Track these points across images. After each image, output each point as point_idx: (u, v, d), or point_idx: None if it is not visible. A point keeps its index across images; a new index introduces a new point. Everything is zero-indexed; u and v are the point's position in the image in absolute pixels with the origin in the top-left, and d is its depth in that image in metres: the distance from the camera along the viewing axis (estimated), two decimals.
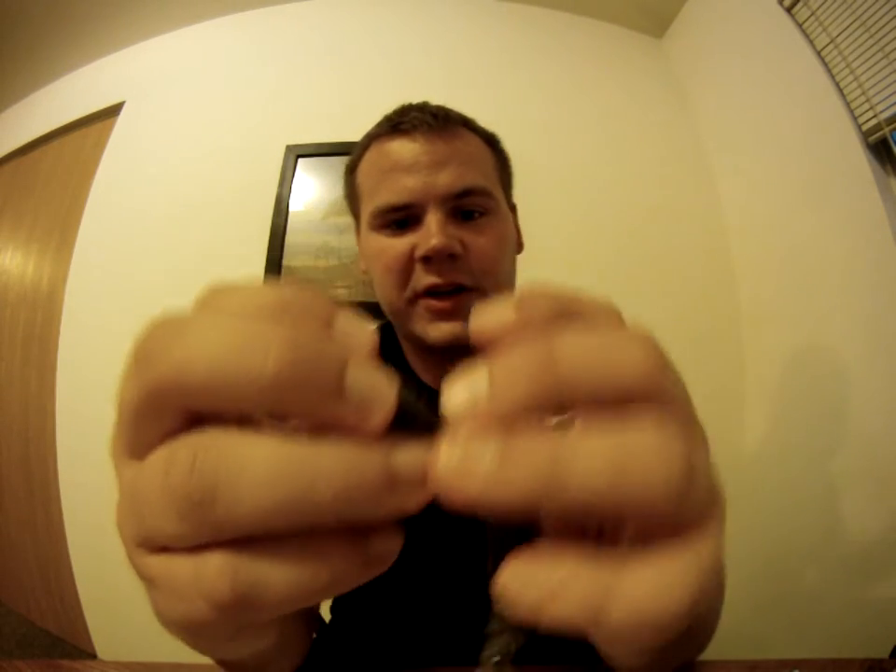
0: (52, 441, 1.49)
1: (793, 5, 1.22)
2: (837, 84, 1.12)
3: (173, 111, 1.71)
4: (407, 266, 0.49)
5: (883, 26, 1.00)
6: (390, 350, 0.59)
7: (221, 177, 1.61)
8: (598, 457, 0.12)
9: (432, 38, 1.73)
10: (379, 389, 0.12)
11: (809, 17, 1.19)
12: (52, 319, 1.60)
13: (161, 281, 1.53)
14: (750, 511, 1.23)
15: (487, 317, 0.14)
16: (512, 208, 0.58)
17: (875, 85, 1.03)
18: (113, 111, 1.76)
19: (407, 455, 0.12)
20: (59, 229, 1.72)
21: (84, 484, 1.45)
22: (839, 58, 1.11)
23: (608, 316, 0.15)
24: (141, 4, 1.70)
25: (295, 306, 0.13)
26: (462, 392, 0.12)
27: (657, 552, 0.13)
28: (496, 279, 0.50)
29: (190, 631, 0.14)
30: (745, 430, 1.37)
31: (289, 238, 1.51)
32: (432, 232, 0.46)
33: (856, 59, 1.07)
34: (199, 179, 1.61)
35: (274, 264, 1.48)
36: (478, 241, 0.49)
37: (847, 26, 1.09)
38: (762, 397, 1.35)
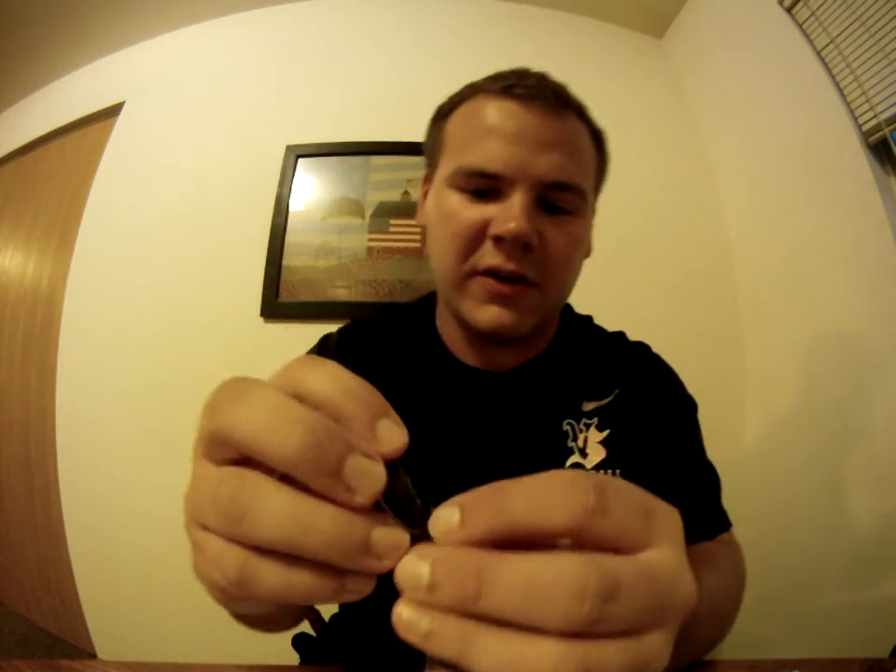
0: (52, 441, 1.49)
1: (793, 5, 1.22)
2: (837, 84, 1.12)
3: (173, 111, 1.71)
4: (476, 239, 0.46)
5: (883, 26, 1.00)
6: (423, 325, 0.58)
7: (221, 177, 1.61)
8: (499, 653, 0.15)
9: (432, 38, 1.73)
10: (370, 478, 0.16)
11: (809, 17, 1.19)
12: (52, 319, 1.60)
13: (160, 281, 1.53)
14: (750, 510, 1.23)
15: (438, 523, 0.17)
16: (593, 212, 0.55)
17: (875, 85, 1.03)
18: (113, 111, 1.76)
19: (383, 534, 0.16)
20: (59, 229, 1.71)
21: (84, 484, 1.45)
22: (839, 58, 1.11)
23: (565, 521, 0.16)
24: (141, 4, 1.70)
25: (355, 397, 0.17)
26: (407, 577, 0.16)
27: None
28: (559, 282, 0.49)
29: (212, 588, 0.20)
30: (745, 429, 1.37)
31: (289, 238, 1.51)
32: (514, 214, 0.43)
33: (856, 59, 1.07)
34: (199, 179, 1.61)
35: (274, 264, 1.48)
36: (556, 239, 0.46)
37: (847, 26, 1.09)
38: (762, 395, 1.35)
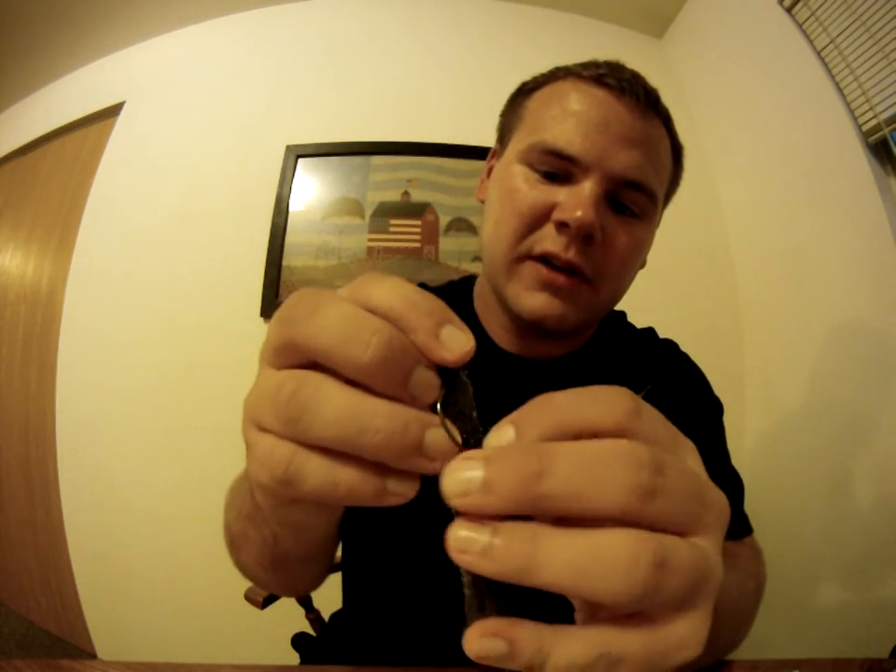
0: (52, 441, 1.49)
1: (793, 5, 1.22)
2: (837, 84, 1.12)
3: (173, 111, 1.71)
4: (538, 220, 0.44)
5: (883, 26, 1.00)
6: (460, 307, 0.56)
7: (221, 177, 1.61)
8: (569, 556, 0.15)
9: (432, 38, 1.73)
10: (431, 388, 0.17)
11: (809, 17, 1.19)
12: (52, 319, 1.60)
13: (160, 281, 1.53)
14: (750, 510, 1.23)
15: (491, 439, 0.17)
16: (657, 224, 0.54)
17: (875, 85, 1.03)
18: (113, 111, 1.76)
19: (436, 435, 0.17)
20: (59, 229, 1.71)
21: (84, 484, 1.45)
22: (839, 58, 1.11)
23: (614, 421, 0.17)
24: (141, 4, 1.70)
25: (418, 307, 0.18)
26: (458, 481, 0.15)
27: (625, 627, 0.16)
28: (613, 284, 0.47)
29: (261, 487, 0.21)
30: (745, 429, 1.37)
31: (289, 238, 1.51)
32: (583, 202, 0.42)
33: (856, 59, 1.07)
34: (199, 179, 1.61)
35: (274, 264, 1.48)
36: (619, 238, 0.45)
37: (847, 26, 1.09)
38: (762, 395, 1.35)
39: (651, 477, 0.15)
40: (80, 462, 1.46)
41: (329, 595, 0.66)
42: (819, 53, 1.16)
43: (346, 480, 0.17)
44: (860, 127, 1.07)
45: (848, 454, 1.02)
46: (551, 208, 0.44)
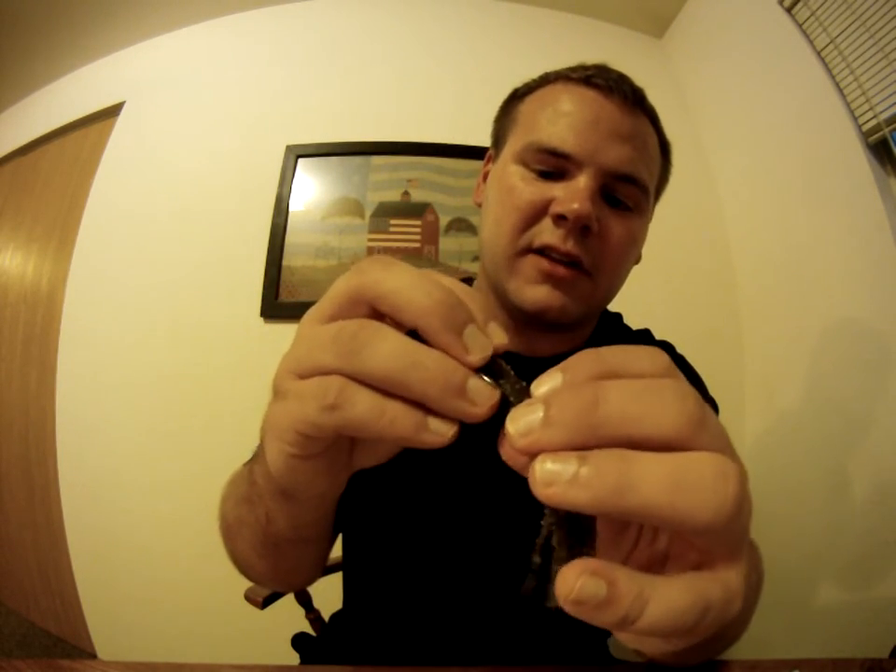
0: (52, 441, 1.49)
1: (793, 5, 1.22)
2: (837, 84, 1.12)
3: (173, 111, 1.71)
4: (535, 215, 0.46)
5: (883, 26, 1.00)
6: None
7: (221, 177, 1.61)
8: (661, 474, 0.15)
9: (432, 38, 1.73)
10: (482, 343, 0.19)
11: (809, 17, 1.19)
12: (52, 319, 1.60)
13: (160, 281, 1.53)
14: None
15: (541, 385, 0.18)
16: (650, 218, 0.55)
17: (875, 85, 1.03)
18: (113, 111, 1.76)
19: (478, 383, 0.18)
20: (59, 229, 1.71)
21: (84, 484, 1.45)
22: (839, 58, 1.11)
23: (653, 369, 0.18)
24: (141, 4, 1.70)
25: (466, 296, 0.20)
26: (521, 423, 0.16)
27: (690, 574, 0.17)
28: (611, 275, 0.49)
29: (297, 431, 0.21)
30: (745, 429, 1.37)
31: (289, 238, 1.51)
32: (579, 195, 0.43)
33: (856, 59, 1.07)
34: (199, 179, 1.61)
35: (274, 264, 1.48)
36: (615, 230, 0.46)
37: (847, 26, 1.09)
38: (761, 395, 1.35)
39: (698, 408, 0.16)
40: (80, 462, 1.46)
41: (330, 596, 0.66)
42: (819, 53, 1.16)
43: (392, 409, 0.18)
44: (860, 127, 1.07)
45: (848, 454, 1.02)
46: (548, 203, 0.45)
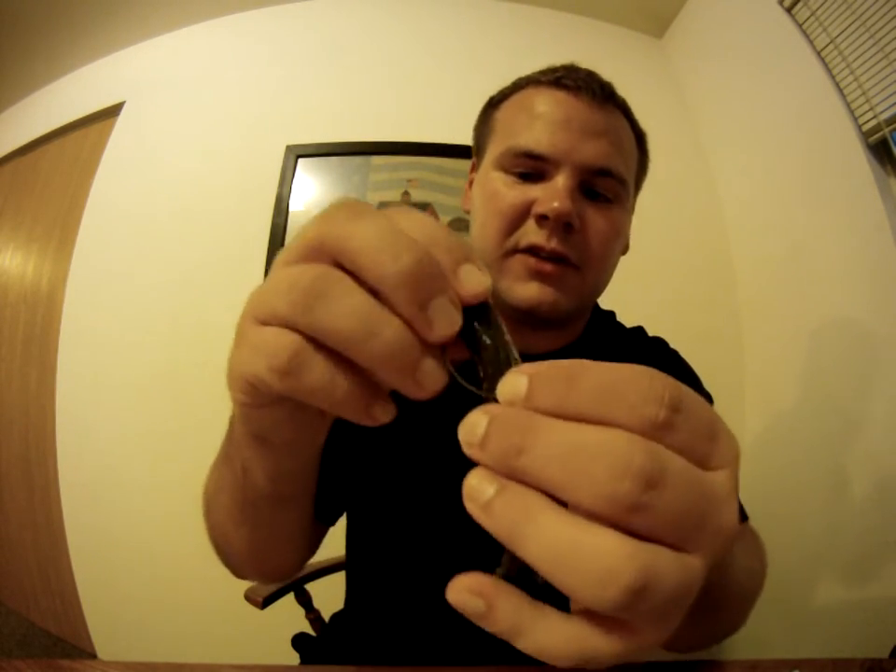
0: (52, 441, 1.49)
1: (793, 5, 1.22)
2: (837, 84, 1.12)
3: (173, 111, 1.71)
4: (519, 217, 0.47)
5: (883, 26, 1.00)
6: None
7: (221, 177, 1.61)
8: (550, 540, 0.14)
9: (432, 39, 1.73)
10: (449, 319, 0.17)
11: (809, 17, 1.19)
12: (52, 319, 1.60)
13: (160, 281, 1.53)
14: (749, 510, 1.23)
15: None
16: (632, 209, 0.56)
17: (875, 85, 1.03)
18: (113, 111, 1.76)
19: (431, 364, 0.17)
20: (59, 229, 1.71)
21: (84, 484, 1.45)
22: (839, 58, 1.11)
23: (635, 423, 0.16)
24: (141, 4, 1.70)
25: (440, 243, 0.18)
26: (467, 429, 0.16)
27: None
28: (598, 267, 0.50)
29: (248, 379, 0.20)
30: (744, 429, 1.37)
31: (289, 238, 1.51)
32: (558, 194, 0.45)
33: (856, 59, 1.07)
34: (199, 179, 1.61)
35: None
36: (597, 223, 0.48)
37: (847, 26, 1.09)
38: (761, 394, 1.35)
39: (638, 490, 0.13)
40: (80, 462, 1.46)
41: (330, 596, 0.66)
42: (818, 53, 1.16)
43: (343, 384, 0.18)
44: (860, 127, 1.07)
45: (848, 453, 1.02)
46: (530, 204, 0.47)
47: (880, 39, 1.01)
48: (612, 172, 0.48)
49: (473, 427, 0.15)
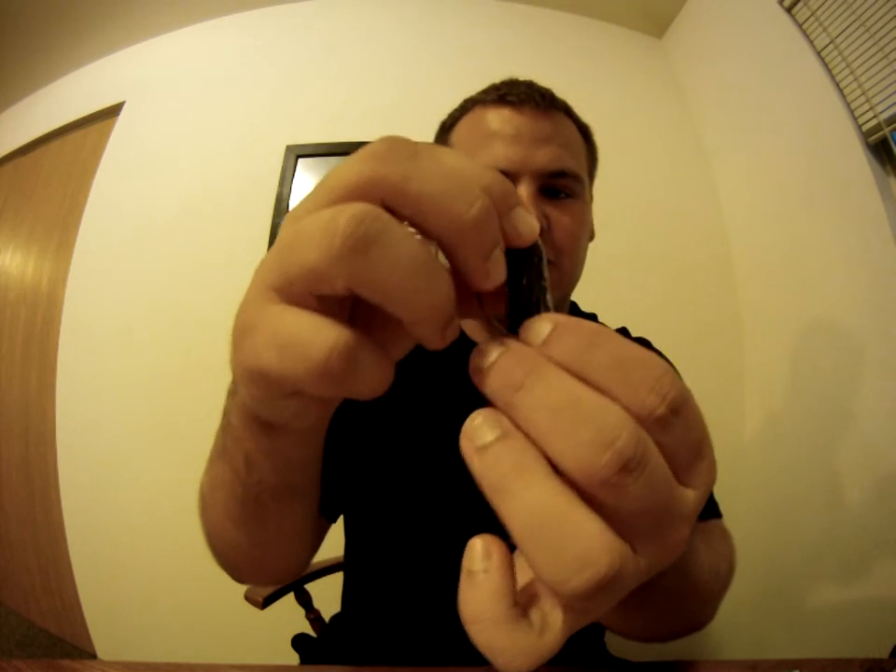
0: (52, 441, 1.49)
1: (793, 5, 1.22)
2: (837, 84, 1.12)
3: (173, 111, 1.71)
4: None
5: (883, 26, 1.00)
6: None
7: (221, 177, 1.61)
8: (529, 508, 0.14)
9: (432, 38, 1.73)
10: (502, 270, 0.16)
11: (809, 17, 1.19)
12: (52, 319, 1.60)
13: (160, 281, 1.53)
14: (749, 509, 1.23)
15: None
16: (591, 198, 0.60)
17: (875, 85, 1.03)
18: (113, 111, 1.76)
19: (456, 318, 0.16)
20: (59, 229, 1.72)
21: (84, 484, 1.45)
22: (839, 58, 1.11)
23: (636, 405, 0.15)
24: (141, 4, 1.70)
25: (495, 188, 0.16)
26: (478, 357, 0.16)
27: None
28: (571, 259, 0.53)
29: (268, 379, 0.17)
30: (744, 429, 1.37)
31: None
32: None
33: (856, 59, 1.07)
34: (199, 179, 1.61)
35: None
36: (562, 219, 0.51)
37: (847, 26, 1.09)
38: (762, 393, 1.35)
39: (614, 467, 0.13)
40: (80, 462, 1.46)
41: (330, 596, 0.66)
42: (818, 53, 1.16)
43: (388, 373, 0.16)
44: (860, 127, 1.07)
45: (848, 453, 1.02)
46: None
47: (880, 39, 1.01)
48: (567, 171, 0.51)
49: (485, 355, 0.15)
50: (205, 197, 1.59)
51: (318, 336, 0.15)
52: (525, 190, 0.49)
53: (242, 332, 0.18)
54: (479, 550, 0.15)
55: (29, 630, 1.48)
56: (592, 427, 0.13)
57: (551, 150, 0.50)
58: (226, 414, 0.27)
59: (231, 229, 1.55)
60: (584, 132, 0.58)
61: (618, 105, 1.64)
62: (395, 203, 0.15)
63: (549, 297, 0.17)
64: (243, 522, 0.32)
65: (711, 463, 0.16)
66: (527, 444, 0.14)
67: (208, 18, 1.81)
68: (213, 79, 1.73)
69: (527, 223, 0.17)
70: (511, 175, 0.49)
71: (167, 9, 1.75)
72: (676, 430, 0.15)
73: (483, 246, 0.15)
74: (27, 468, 1.57)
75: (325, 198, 0.16)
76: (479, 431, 0.15)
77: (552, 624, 0.15)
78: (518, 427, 0.15)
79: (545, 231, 0.49)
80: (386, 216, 0.14)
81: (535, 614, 0.15)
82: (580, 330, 0.15)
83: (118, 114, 1.75)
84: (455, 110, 0.58)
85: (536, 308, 0.17)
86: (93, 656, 1.35)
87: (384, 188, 0.15)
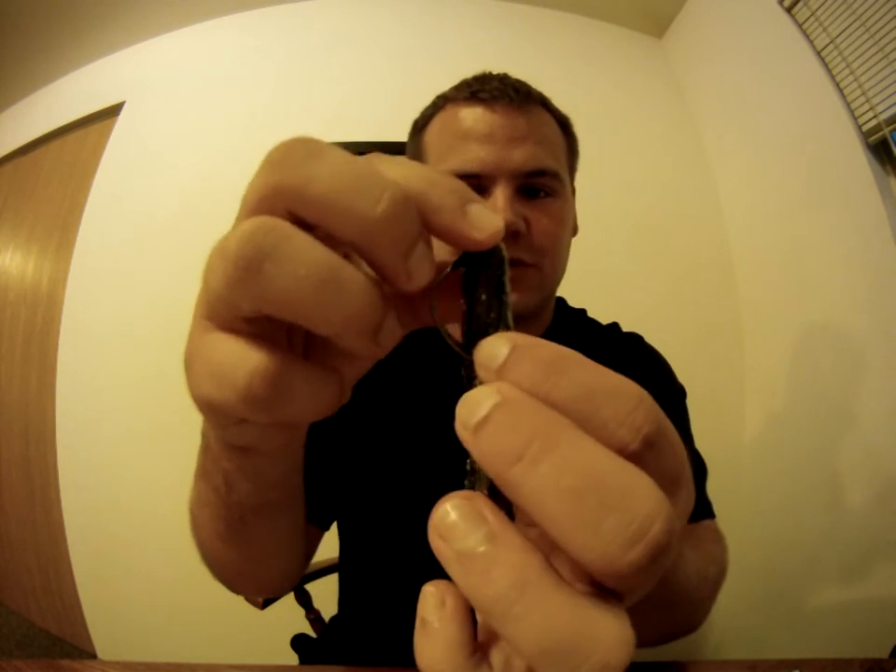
0: (52, 441, 1.49)
1: (793, 5, 1.22)
2: (837, 84, 1.12)
3: (173, 111, 1.71)
4: None
5: (883, 26, 1.00)
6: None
7: (221, 177, 1.60)
8: (543, 626, 0.11)
9: (432, 38, 1.73)
10: (429, 267, 0.15)
11: (809, 17, 1.19)
12: (52, 319, 1.60)
13: (160, 281, 1.53)
14: (750, 509, 1.23)
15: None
16: (573, 191, 0.58)
17: (875, 85, 1.03)
18: (113, 111, 1.76)
19: (392, 323, 0.15)
20: (59, 229, 1.71)
21: (84, 484, 1.45)
22: (839, 58, 1.11)
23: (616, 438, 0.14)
24: (141, 4, 1.70)
25: (440, 185, 0.15)
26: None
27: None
28: (553, 259, 0.52)
29: (213, 406, 0.16)
30: (744, 429, 1.37)
31: None
32: (499, 207, 0.47)
33: (856, 59, 1.07)
34: (199, 179, 1.61)
35: None
36: (541, 220, 0.50)
37: (847, 26, 1.09)
38: (762, 393, 1.35)
39: (649, 563, 0.11)
40: (80, 462, 1.46)
41: (330, 596, 0.66)
42: (818, 53, 1.16)
43: (330, 391, 0.15)
44: (860, 127, 1.07)
45: (849, 453, 1.02)
46: None
47: (880, 39, 1.01)
48: (544, 170, 0.49)
49: (474, 406, 0.13)
50: (205, 197, 1.59)
51: (241, 362, 0.14)
52: (501, 193, 0.48)
53: (186, 363, 0.17)
54: (431, 599, 0.14)
55: (29, 630, 1.48)
56: (621, 516, 0.11)
57: (526, 149, 0.49)
58: (204, 436, 0.26)
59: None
60: (563, 123, 0.55)
61: (618, 106, 1.64)
62: (299, 210, 0.14)
63: (510, 314, 0.16)
64: (230, 540, 0.32)
65: (689, 492, 0.15)
66: (527, 548, 0.12)
67: (208, 18, 1.80)
68: (213, 79, 1.73)
69: (488, 220, 0.15)
70: (487, 177, 0.48)
71: (167, 9, 1.75)
72: (650, 465, 0.13)
73: (398, 244, 0.14)
74: (27, 468, 1.57)
75: (238, 217, 0.15)
76: (455, 532, 0.12)
77: (515, 666, 0.13)
78: (514, 504, 0.12)
79: (525, 236, 0.48)
80: (282, 226, 0.14)
81: (496, 656, 0.13)
82: (542, 354, 0.13)
83: (118, 114, 1.74)
84: (428, 108, 0.56)
85: (494, 326, 0.15)
86: (93, 656, 1.35)
87: (284, 196, 0.14)
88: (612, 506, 0.11)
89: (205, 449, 0.26)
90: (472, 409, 0.13)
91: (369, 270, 0.15)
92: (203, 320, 0.16)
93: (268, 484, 0.26)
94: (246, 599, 0.77)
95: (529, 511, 0.12)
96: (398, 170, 0.15)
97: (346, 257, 0.14)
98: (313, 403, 0.15)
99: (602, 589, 0.12)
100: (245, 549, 0.34)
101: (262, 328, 0.15)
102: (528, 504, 0.12)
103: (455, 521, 0.12)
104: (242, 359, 0.14)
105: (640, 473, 0.12)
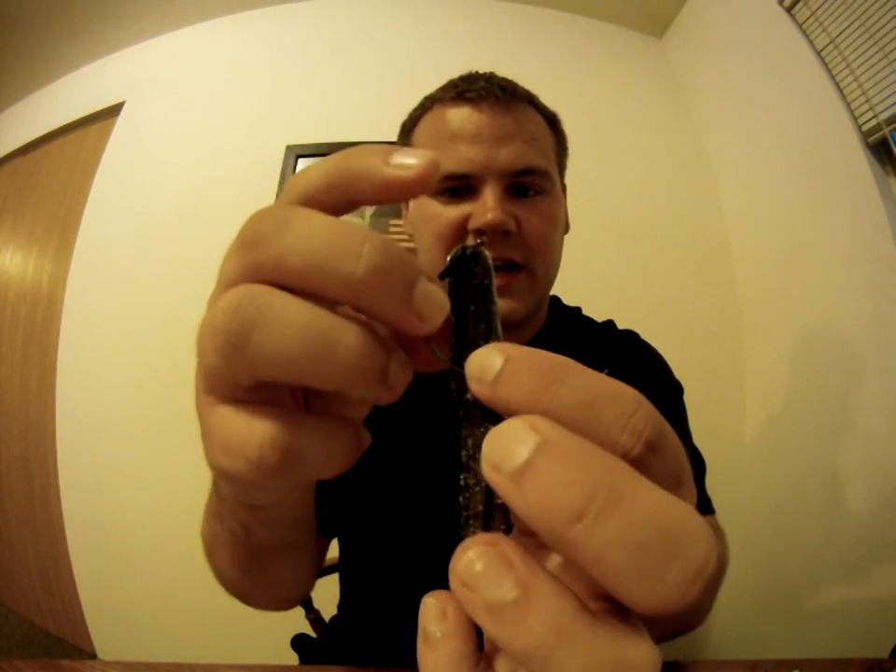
0: (52, 441, 1.49)
1: (793, 5, 1.22)
2: (837, 84, 1.12)
3: (173, 111, 1.71)
4: (458, 235, 0.49)
5: (883, 26, 1.00)
6: None
7: (221, 177, 1.61)
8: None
9: (432, 38, 1.73)
10: (438, 303, 0.14)
11: (809, 17, 1.18)
12: (52, 319, 1.60)
13: (160, 281, 1.53)
14: (750, 509, 1.23)
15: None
16: (563, 189, 0.57)
17: (875, 85, 1.03)
18: (113, 111, 1.76)
19: (399, 363, 0.14)
20: (59, 229, 1.71)
21: (84, 484, 1.45)
22: (839, 58, 1.11)
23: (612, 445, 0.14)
24: (141, 4, 1.70)
25: (350, 155, 0.15)
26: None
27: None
28: (544, 258, 0.51)
29: (226, 475, 0.16)
30: (745, 429, 1.37)
31: None
32: (489, 206, 0.47)
33: (856, 59, 1.07)
34: (199, 179, 1.61)
35: None
36: (531, 219, 0.49)
37: (847, 26, 1.08)
38: (762, 393, 1.35)
39: (699, 596, 0.11)
40: (80, 462, 1.46)
41: (330, 596, 0.66)
42: (819, 53, 1.16)
43: (342, 447, 0.15)
44: (860, 127, 1.07)
45: (849, 453, 1.02)
46: (465, 221, 0.49)
47: (880, 39, 1.01)
48: (533, 168, 0.49)
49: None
50: (205, 197, 1.59)
51: (248, 434, 0.14)
52: (491, 192, 0.47)
53: (202, 438, 0.17)
54: (433, 611, 0.14)
55: (29, 630, 1.48)
56: (684, 563, 0.11)
57: (514, 148, 0.48)
58: (216, 483, 0.26)
59: (231, 229, 1.51)
60: (551, 121, 0.55)
61: (618, 106, 1.64)
62: (285, 283, 0.14)
63: (499, 322, 0.15)
64: (248, 570, 0.33)
65: (690, 490, 0.15)
66: (559, 592, 0.11)
67: (208, 18, 1.80)
68: (213, 79, 1.73)
69: (414, 159, 0.14)
70: (476, 177, 0.48)
71: (167, 9, 1.75)
72: (653, 467, 0.13)
73: (393, 293, 0.14)
74: (27, 468, 1.57)
75: (215, 292, 0.15)
76: (482, 582, 0.12)
77: None
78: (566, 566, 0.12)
79: (515, 235, 0.48)
80: (264, 293, 0.14)
81: (502, 666, 0.13)
82: (537, 364, 0.13)
83: (118, 114, 1.74)
84: (415, 109, 0.56)
85: (484, 337, 0.15)
86: (93, 656, 1.35)
87: (263, 275, 0.14)
88: (676, 554, 0.11)
89: (219, 497, 0.26)
90: (508, 450, 0.12)
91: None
92: (205, 395, 0.16)
93: (286, 526, 0.27)
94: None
95: (584, 567, 0.11)
96: (311, 172, 0.15)
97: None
98: (329, 461, 0.15)
99: (627, 611, 0.12)
100: (263, 577, 0.35)
101: (265, 393, 0.15)
102: (586, 561, 0.11)
103: (481, 571, 0.12)
104: (249, 432, 0.14)
105: (692, 511, 0.12)
